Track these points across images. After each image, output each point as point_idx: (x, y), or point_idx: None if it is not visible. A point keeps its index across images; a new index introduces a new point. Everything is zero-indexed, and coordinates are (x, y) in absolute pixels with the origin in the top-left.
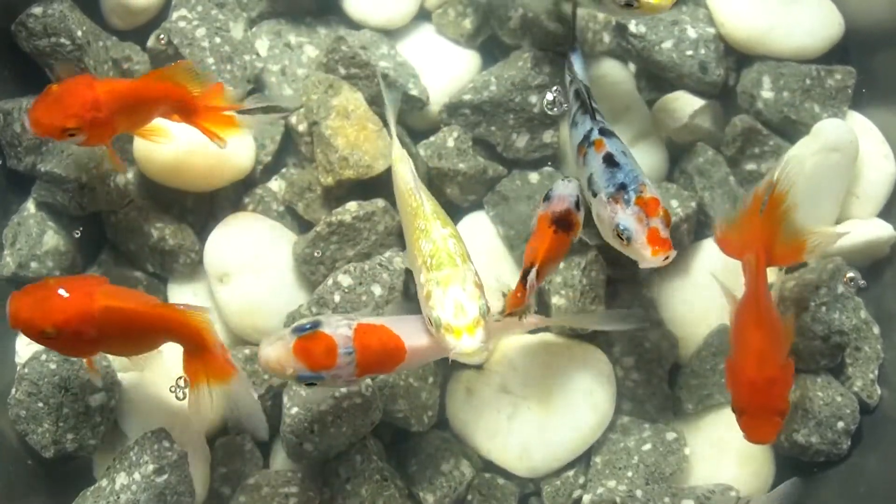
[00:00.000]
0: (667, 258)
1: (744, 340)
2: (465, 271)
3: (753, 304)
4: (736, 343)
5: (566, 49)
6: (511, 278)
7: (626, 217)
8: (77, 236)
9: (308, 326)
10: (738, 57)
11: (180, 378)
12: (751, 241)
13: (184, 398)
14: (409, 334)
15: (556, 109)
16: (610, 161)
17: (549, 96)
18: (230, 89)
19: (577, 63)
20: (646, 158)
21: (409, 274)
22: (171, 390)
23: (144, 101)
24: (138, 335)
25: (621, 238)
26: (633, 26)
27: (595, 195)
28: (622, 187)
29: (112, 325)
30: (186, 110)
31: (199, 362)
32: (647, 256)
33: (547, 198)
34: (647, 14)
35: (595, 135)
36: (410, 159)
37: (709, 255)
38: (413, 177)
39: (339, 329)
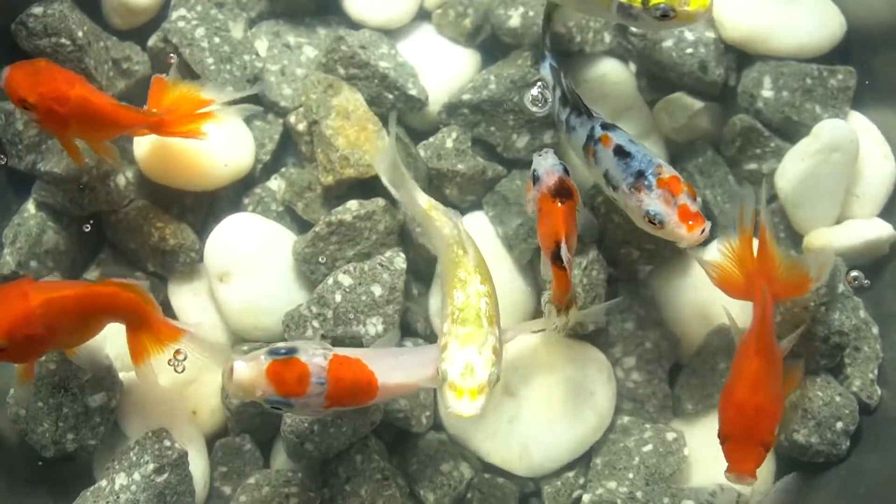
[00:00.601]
0: (703, 231)
1: (741, 367)
2: (487, 334)
3: (757, 334)
4: (734, 369)
5: (539, 55)
6: (509, 277)
7: (652, 201)
8: (87, 230)
9: (284, 352)
10: (738, 56)
11: (177, 352)
12: (756, 278)
13: (182, 371)
14: (383, 371)
15: (540, 106)
16: (621, 152)
17: (535, 91)
18: (171, 80)
19: (546, 69)
20: None
21: (409, 274)
22: (168, 363)
23: (109, 122)
24: (81, 320)
25: (654, 223)
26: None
27: (616, 189)
28: (640, 174)
29: (55, 318)
30: (155, 127)
31: (145, 336)
32: (684, 234)
33: (536, 179)
34: (684, 24)
35: (598, 131)
36: (457, 212)
37: (708, 255)
38: (461, 227)
39: (314, 358)
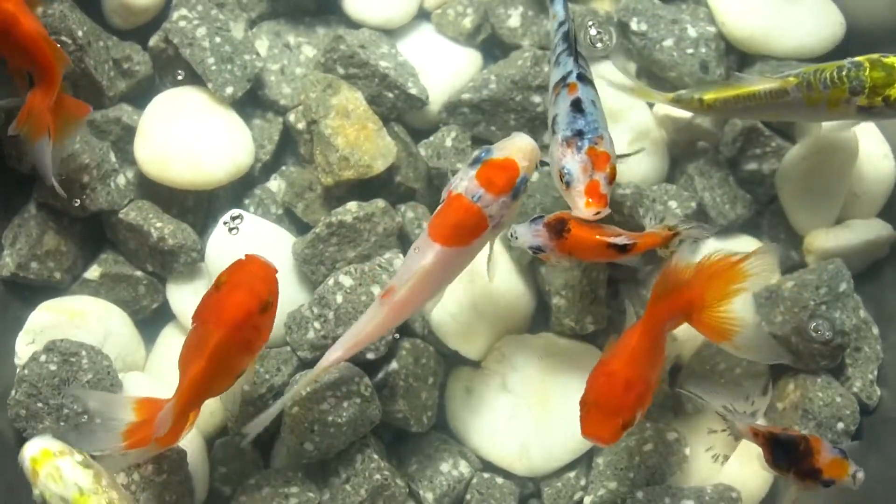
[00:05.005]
0: (598, 213)
1: (623, 342)
2: None
3: (653, 322)
4: (615, 346)
5: None
6: (509, 278)
7: (572, 162)
8: (76, 204)
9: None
10: (739, 56)
11: (232, 215)
12: (692, 282)
13: (236, 234)
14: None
15: (600, 45)
16: (577, 106)
17: (593, 31)
18: (79, 121)
19: (561, 4)
20: (646, 159)
21: None
22: (223, 223)
23: (23, 42)
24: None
25: (562, 181)
26: (634, 24)
27: (554, 134)
28: (579, 133)
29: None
30: (43, 78)
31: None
32: (580, 206)
33: (538, 250)
34: None
35: (572, 78)
36: None
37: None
38: None
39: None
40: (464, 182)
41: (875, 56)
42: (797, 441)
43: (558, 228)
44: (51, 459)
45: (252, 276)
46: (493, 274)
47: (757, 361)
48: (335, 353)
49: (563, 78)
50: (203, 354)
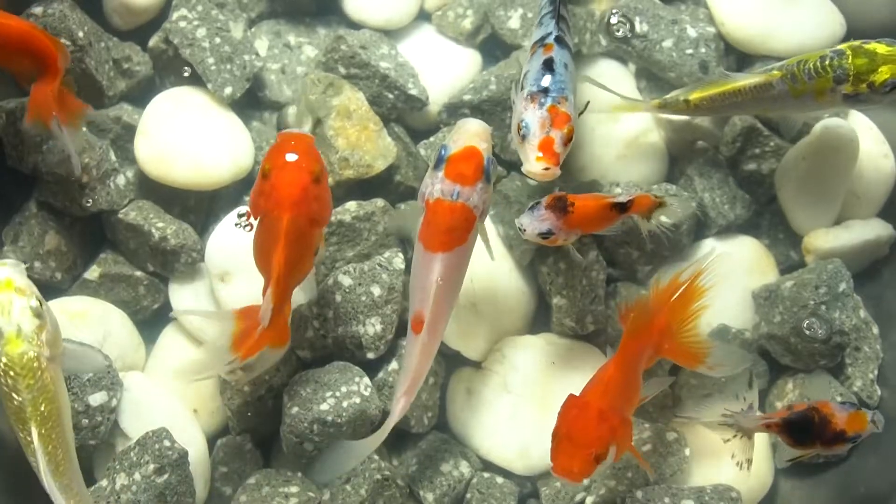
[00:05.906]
0: (547, 169)
1: (597, 375)
2: None
3: (627, 357)
4: (589, 380)
5: None
6: (509, 277)
7: (532, 116)
8: (89, 204)
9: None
10: (738, 56)
11: (239, 213)
12: (657, 313)
13: (249, 230)
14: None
15: (620, 33)
16: (548, 66)
17: (614, 20)
18: (88, 113)
19: None
20: (646, 159)
21: (407, 275)
22: (235, 226)
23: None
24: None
25: (519, 133)
26: (636, 25)
27: (522, 90)
28: (544, 91)
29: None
30: (43, 70)
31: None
32: (531, 160)
33: (548, 234)
34: None
35: (550, 39)
36: None
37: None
38: None
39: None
40: (437, 185)
41: (856, 43)
42: (810, 415)
43: (561, 206)
44: (8, 291)
45: (293, 152)
46: (492, 251)
47: (730, 375)
48: (400, 402)
49: (542, 38)
50: (279, 240)
